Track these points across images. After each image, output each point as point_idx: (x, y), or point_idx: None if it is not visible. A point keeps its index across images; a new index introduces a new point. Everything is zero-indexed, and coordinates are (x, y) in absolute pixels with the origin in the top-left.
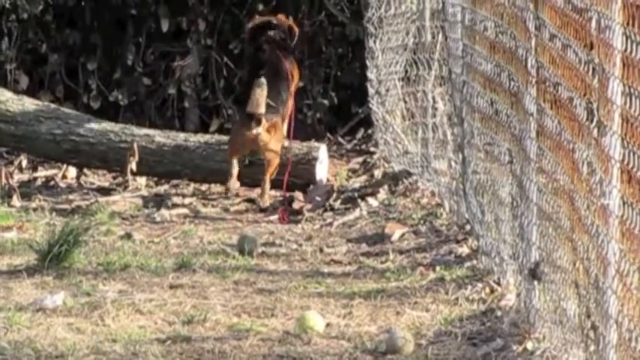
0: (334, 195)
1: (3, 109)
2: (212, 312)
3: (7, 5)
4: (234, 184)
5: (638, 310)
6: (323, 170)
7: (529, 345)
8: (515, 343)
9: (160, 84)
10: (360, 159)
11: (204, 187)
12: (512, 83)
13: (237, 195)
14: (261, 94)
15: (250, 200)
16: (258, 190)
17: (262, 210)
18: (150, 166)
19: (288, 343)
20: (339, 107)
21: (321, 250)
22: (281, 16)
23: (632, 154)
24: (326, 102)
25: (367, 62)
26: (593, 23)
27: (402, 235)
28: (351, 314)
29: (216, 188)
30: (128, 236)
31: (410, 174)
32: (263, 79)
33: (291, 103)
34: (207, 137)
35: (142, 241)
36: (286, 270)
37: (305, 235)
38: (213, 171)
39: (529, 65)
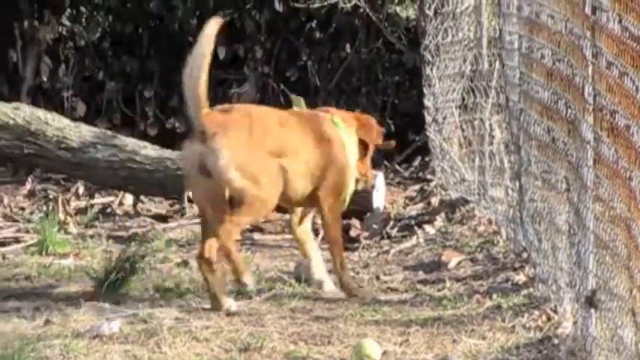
0: (391, 223)
1: (60, 136)
2: (269, 339)
3: (65, 33)
4: None
5: None
6: (380, 198)
7: None
8: None
9: None
10: (417, 186)
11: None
12: (569, 111)
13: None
14: None
15: None
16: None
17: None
18: None
19: None
20: (396, 135)
21: (378, 278)
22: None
23: None
24: (383, 130)
25: (424, 90)
26: None
27: (459, 262)
28: (408, 342)
29: (274, 215)
30: (185, 263)
31: (467, 201)
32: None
33: None
34: None
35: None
36: (343, 298)
37: (362, 262)
38: None
39: (586, 93)
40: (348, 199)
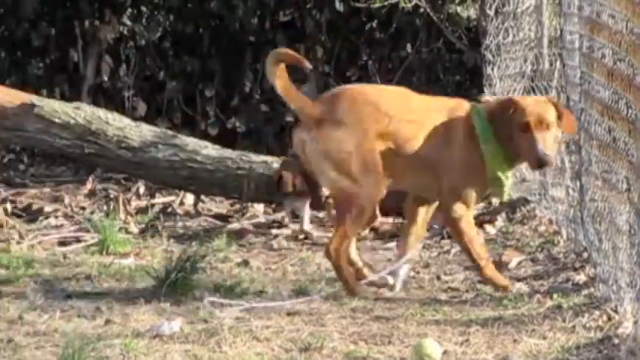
0: None
1: (121, 135)
2: (329, 339)
3: (126, 32)
4: None
5: None
6: None
7: None
8: None
9: (278, 111)
10: None
11: (321, 213)
12: (630, 111)
13: None
14: None
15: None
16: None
17: (380, 237)
18: (268, 193)
19: None
20: None
21: (439, 278)
22: None
23: None
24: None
25: (485, 89)
26: None
27: (520, 262)
28: (468, 342)
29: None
30: (245, 263)
31: (527, 201)
32: None
33: None
34: None
35: (259, 268)
36: (403, 297)
37: (423, 262)
38: None
39: None
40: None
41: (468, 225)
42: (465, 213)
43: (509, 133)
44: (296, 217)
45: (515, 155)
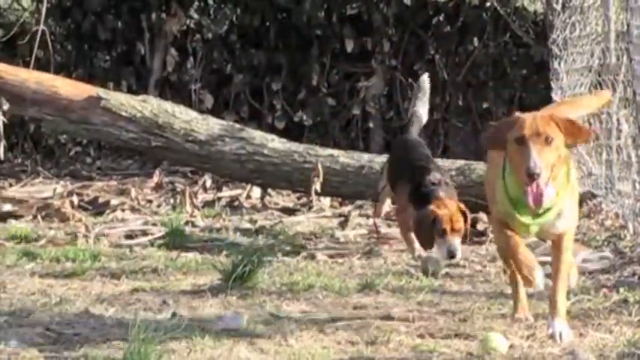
0: None
1: (188, 128)
2: (396, 333)
3: (192, 25)
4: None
5: None
6: None
7: None
8: None
9: (345, 104)
10: None
11: (388, 207)
12: None
13: None
14: None
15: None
16: None
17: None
18: (334, 187)
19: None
20: None
21: (505, 272)
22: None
23: None
24: None
25: (552, 84)
26: None
27: (586, 256)
28: (534, 336)
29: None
30: (312, 257)
31: (594, 195)
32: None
33: None
34: None
35: (326, 262)
36: (470, 291)
37: (489, 256)
38: None
39: None
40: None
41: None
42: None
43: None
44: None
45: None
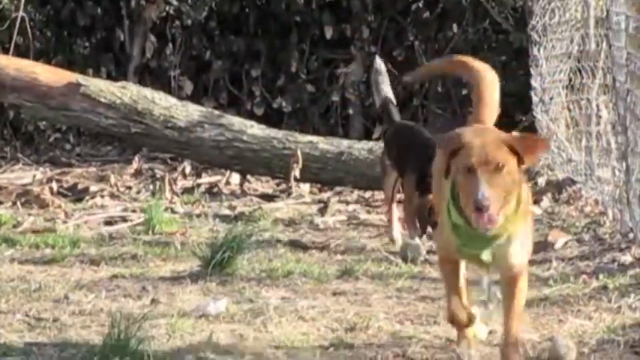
0: None
1: (167, 115)
2: (375, 319)
3: (172, 12)
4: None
5: None
6: None
7: None
8: None
9: (324, 91)
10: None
11: (367, 194)
12: None
13: (400, 202)
14: None
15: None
16: None
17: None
18: (313, 173)
19: (450, 351)
20: (503, 115)
21: None
22: None
23: None
24: None
25: (531, 70)
26: None
27: (566, 243)
28: None
29: (380, 195)
30: (291, 243)
31: (573, 182)
32: None
33: None
34: (371, 144)
35: (305, 248)
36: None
37: None
38: (377, 178)
39: None
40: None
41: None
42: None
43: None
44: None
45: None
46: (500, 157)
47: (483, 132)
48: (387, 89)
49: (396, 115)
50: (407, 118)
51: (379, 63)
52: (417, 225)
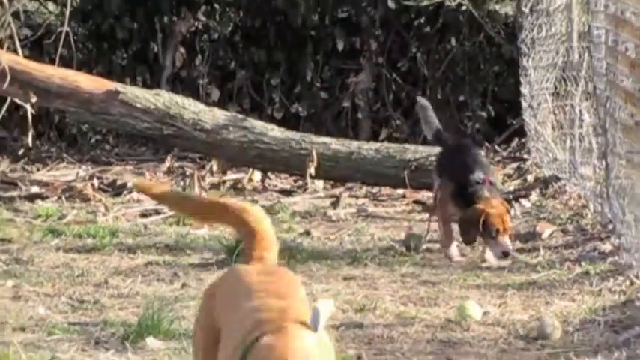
0: None
1: (196, 119)
2: (381, 301)
3: (200, 27)
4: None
5: None
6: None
7: None
8: None
9: (336, 97)
10: (515, 165)
11: (375, 189)
12: None
13: (404, 196)
14: None
15: (416, 202)
16: (424, 193)
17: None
18: (326, 171)
19: (449, 330)
20: (496, 119)
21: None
22: None
23: None
24: (484, 114)
25: (521, 79)
26: None
27: (552, 233)
28: (506, 303)
29: (386, 190)
30: (307, 233)
31: (559, 179)
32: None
33: None
34: (377, 145)
35: (319, 238)
36: (448, 264)
37: None
38: (383, 175)
39: None
40: None
41: None
42: None
43: None
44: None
45: None
46: None
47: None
48: (435, 122)
49: (450, 140)
50: (410, 125)
51: (423, 100)
52: (452, 234)
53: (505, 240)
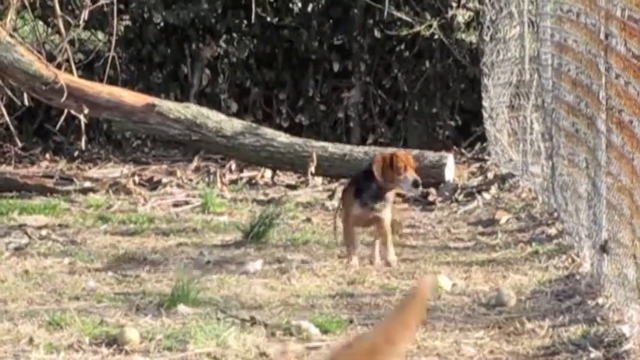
0: (458, 190)
1: (218, 127)
2: (369, 275)
3: (222, 52)
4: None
5: None
6: (450, 173)
7: (600, 300)
8: (590, 299)
9: (332, 109)
10: (478, 165)
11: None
12: (588, 110)
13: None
14: None
15: (399, 195)
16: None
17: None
18: (324, 169)
19: None
20: (462, 127)
21: (449, 231)
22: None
23: None
24: (452, 123)
25: (483, 94)
26: None
27: (508, 220)
28: (470, 277)
29: None
30: (308, 220)
31: (513, 176)
32: None
33: None
34: (366, 148)
35: (318, 224)
36: (423, 245)
37: (437, 219)
38: None
39: (600, 97)
40: None
41: None
42: None
43: None
44: None
45: None
46: None
47: None
48: None
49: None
50: (393, 132)
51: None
52: (356, 242)
53: (412, 173)
